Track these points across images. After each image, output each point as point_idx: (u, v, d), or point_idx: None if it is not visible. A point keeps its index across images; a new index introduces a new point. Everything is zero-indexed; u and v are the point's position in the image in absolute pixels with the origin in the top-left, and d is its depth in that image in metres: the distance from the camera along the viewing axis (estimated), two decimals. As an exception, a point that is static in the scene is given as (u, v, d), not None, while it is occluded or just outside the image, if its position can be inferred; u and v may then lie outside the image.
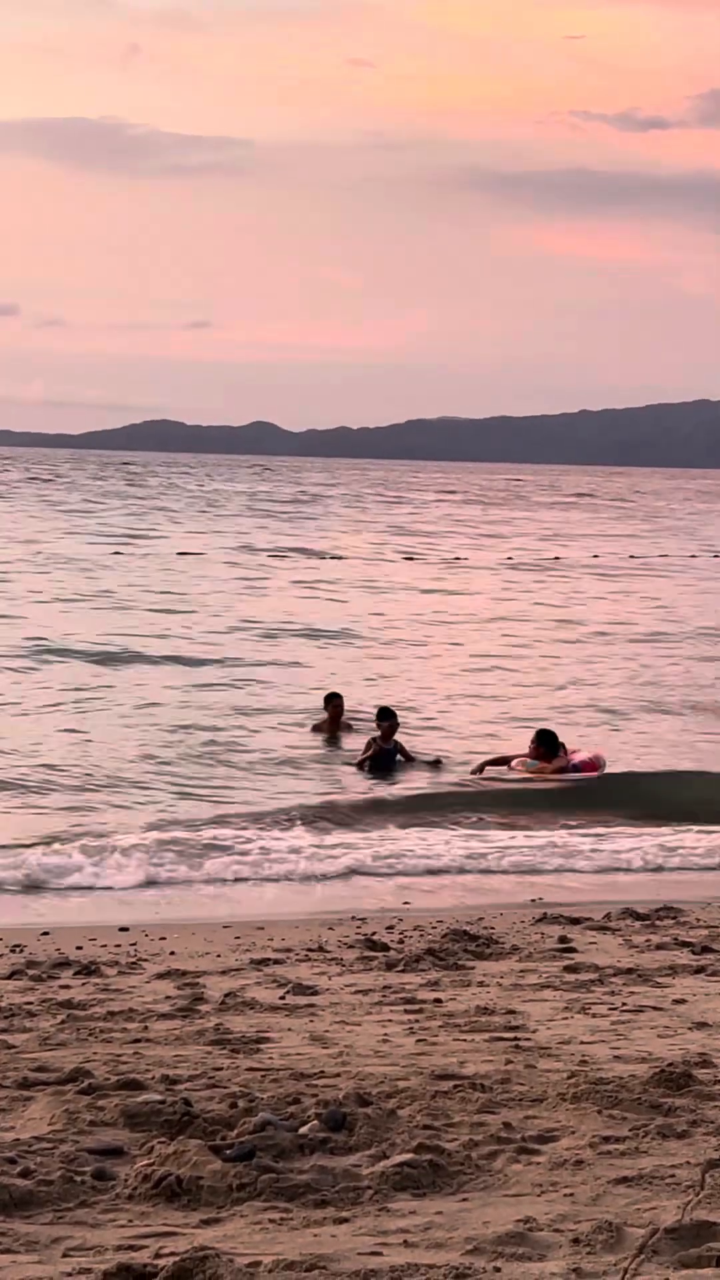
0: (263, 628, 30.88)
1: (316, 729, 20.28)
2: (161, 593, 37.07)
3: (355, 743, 19.45)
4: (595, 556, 56.70)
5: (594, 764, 17.88)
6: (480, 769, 17.98)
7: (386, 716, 18.51)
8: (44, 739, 18.94)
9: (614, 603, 40.04)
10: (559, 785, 17.39)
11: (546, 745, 17.84)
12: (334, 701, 20.34)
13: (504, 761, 18.07)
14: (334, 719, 20.19)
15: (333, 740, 19.92)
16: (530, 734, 18.25)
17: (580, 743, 19.08)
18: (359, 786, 17.31)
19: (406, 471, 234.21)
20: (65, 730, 19.65)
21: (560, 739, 18.05)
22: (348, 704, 20.43)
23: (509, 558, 54.64)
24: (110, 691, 22.82)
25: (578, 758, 17.99)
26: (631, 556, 57.70)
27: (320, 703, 20.61)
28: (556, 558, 55.05)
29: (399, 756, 18.39)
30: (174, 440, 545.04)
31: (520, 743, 18.43)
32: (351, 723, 20.32)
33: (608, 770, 18.04)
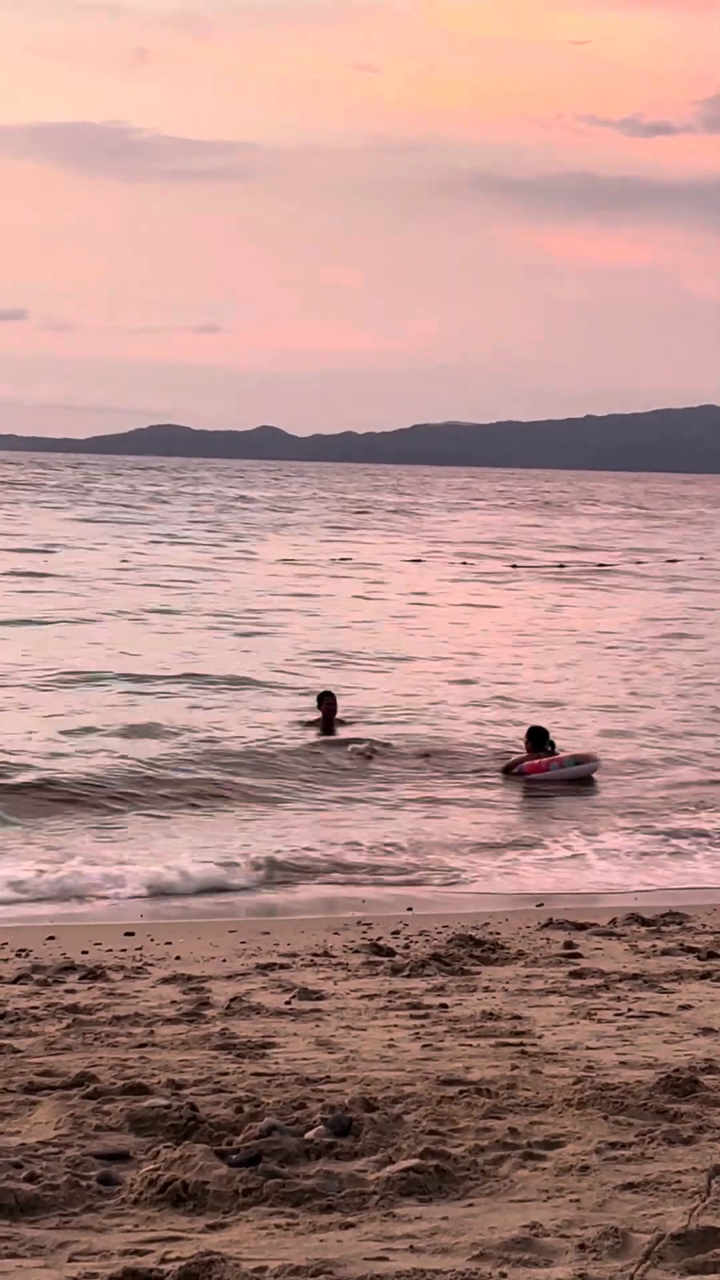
0: None
1: (308, 726, 20.30)
2: None
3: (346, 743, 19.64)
4: None
5: (540, 766, 18.33)
6: (508, 770, 18.56)
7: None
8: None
9: None
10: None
11: (535, 742, 18.70)
12: (327, 700, 20.41)
13: (517, 763, 18.65)
14: (327, 718, 20.25)
15: (324, 739, 19.95)
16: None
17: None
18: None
19: (460, 477, 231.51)
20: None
21: (551, 737, 18.81)
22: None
23: None
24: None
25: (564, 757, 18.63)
26: None
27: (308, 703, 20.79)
28: None
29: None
30: (180, 445, 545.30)
31: None
32: (344, 719, 20.42)
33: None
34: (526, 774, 18.31)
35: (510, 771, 18.44)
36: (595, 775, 18.51)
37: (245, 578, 44.87)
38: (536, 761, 18.43)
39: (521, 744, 18.99)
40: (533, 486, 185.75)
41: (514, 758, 18.76)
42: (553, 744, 18.75)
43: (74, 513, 77.74)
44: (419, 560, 55.20)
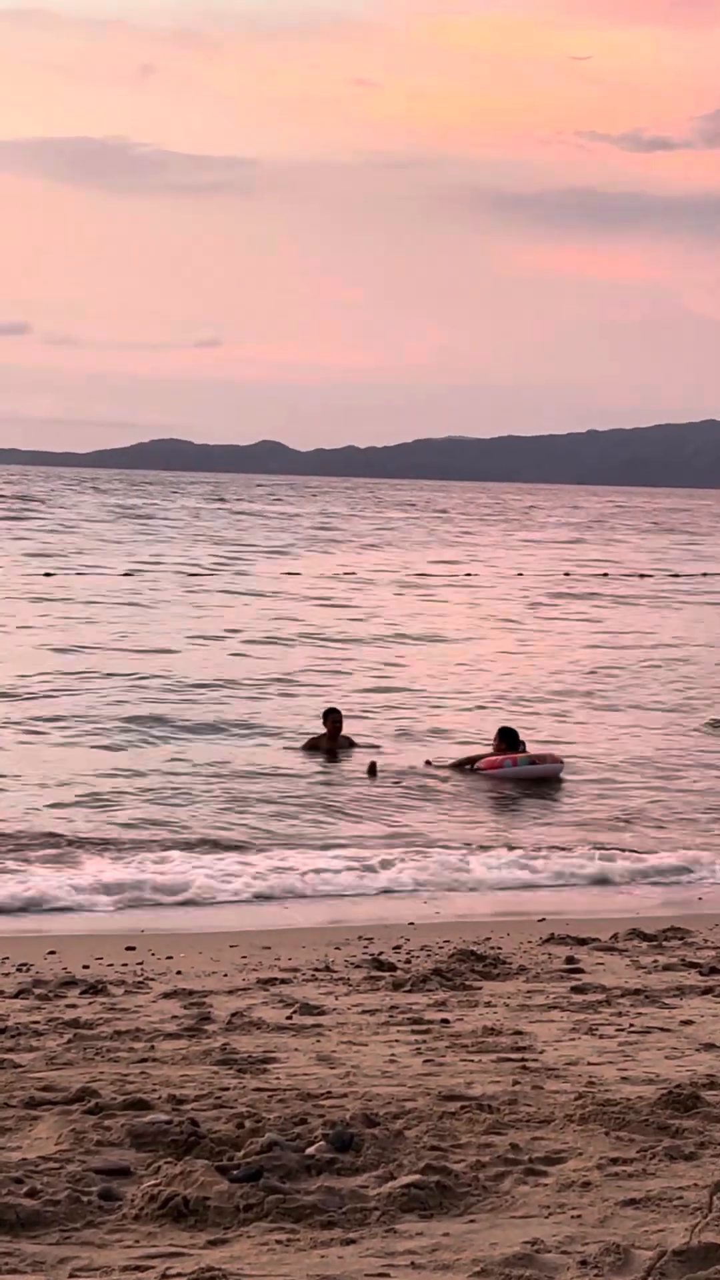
0: None
1: (313, 744, 20.28)
2: None
3: (354, 758, 19.63)
4: None
5: (495, 764, 18.77)
6: (467, 764, 18.97)
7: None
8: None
9: None
10: None
11: (507, 742, 19.10)
12: (332, 716, 20.40)
13: (475, 760, 19.07)
14: (332, 734, 20.25)
15: (331, 755, 19.94)
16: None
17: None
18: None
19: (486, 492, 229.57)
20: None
21: (520, 738, 19.27)
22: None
23: None
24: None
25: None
26: None
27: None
28: None
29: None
30: (181, 459, 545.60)
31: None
32: (351, 737, 20.41)
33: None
34: (482, 770, 18.76)
35: (465, 767, 18.83)
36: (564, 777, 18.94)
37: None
38: (494, 758, 18.89)
39: (491, 743, 19.41)
40: (601, 504, 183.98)
41: (472, 754, 19.19)
42: (523, 744, 19.19)
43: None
44: None
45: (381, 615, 38.59)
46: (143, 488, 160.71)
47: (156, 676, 25.87)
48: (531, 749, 19.30)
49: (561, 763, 19.21)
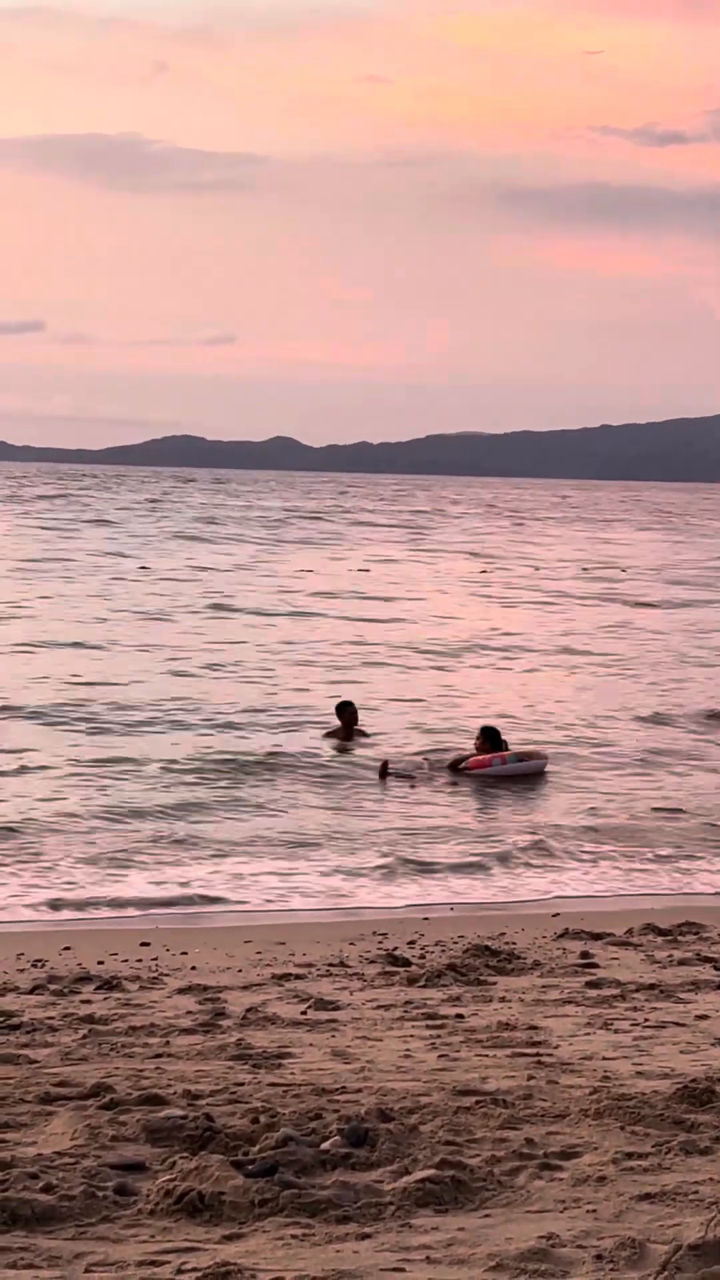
0: None
1: (329, 736, 20.30)
2: None
3: (369, 752, 19.64)
4: None
5: (484, 763, 18.83)
6: (454, 766, 18.96)
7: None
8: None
9: None
10: None
11: (490, 741, 19.20)
12: (347, 710, 20.40)
13: (462, 760, 19.09)
14: (347, 727, 20.26)
15: (345, 749, 19.94)
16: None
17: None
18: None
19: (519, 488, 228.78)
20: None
21: (503, 736, 19.35)
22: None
23: None
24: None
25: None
26: None
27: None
28: None
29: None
30: (194, 456, 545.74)
31: None
32: (365, 730, 20.41)
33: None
34: (470, 770, 18.82)
35: (456, 768, 18.85)
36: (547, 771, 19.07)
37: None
38: (481, 758, 18.96)
39: (472, 743, 19.40)
40: (633, 498, 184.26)
41: (459, 754, 19.20)
42: (505, 743, 19.32)
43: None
44: None
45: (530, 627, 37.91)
46: (190, 487, 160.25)
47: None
48: (514, 747, 19.38)
49: (546, 758, 19.37)
